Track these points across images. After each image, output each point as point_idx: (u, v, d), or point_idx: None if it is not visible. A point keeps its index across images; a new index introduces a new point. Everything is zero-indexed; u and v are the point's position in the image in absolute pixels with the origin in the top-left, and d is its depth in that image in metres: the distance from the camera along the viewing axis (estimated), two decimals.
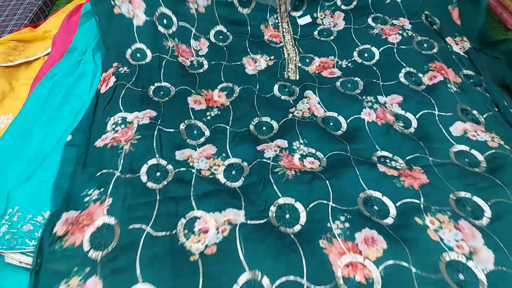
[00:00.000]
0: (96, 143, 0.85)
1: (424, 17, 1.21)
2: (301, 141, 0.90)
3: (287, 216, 0.72)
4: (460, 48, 1.12)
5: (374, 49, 1.14)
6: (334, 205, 0.73)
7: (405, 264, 0.64)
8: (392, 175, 0.78)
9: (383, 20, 1.22)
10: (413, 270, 0.63)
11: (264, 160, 0.84)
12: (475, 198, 0.74)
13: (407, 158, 0.85)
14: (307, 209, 0.73)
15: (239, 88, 1.05)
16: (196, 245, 0.68)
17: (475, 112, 0.92)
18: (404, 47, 1.11)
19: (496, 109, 0.93)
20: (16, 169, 0.87)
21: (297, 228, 0.71)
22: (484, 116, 0.91)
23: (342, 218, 0.71)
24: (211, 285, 0.63)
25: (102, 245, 0.67)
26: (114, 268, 0.64)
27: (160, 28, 1.14)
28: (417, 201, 0.74)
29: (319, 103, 1.01)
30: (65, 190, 0.76)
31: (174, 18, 1.18)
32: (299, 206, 0.74)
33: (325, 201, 0.74)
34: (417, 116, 0.94)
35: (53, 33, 1.31)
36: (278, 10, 1.31)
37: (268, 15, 1.29)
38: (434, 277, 0.62)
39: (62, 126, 0.96)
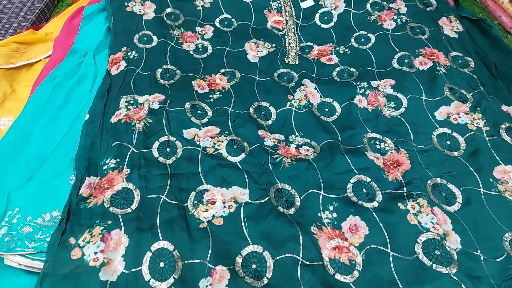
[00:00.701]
0: (111, 119, 0.95)
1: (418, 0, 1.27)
2: (297, 134, 0.97)
3: (284, 199, 0.81)
4: (453, 27, 1.17)
5: (370, 35, 1.21)
6: (324, 194, 0.81)
7: (383, 248, 0.72)
8: (379, 167, 0.86)
9: (381, 6, 1.28)
10: (391, 253, 0.71)
11: (264, 146, 0.91)
12: (449, 185, 0.83)
13: (395, 139, 0.93)
14: (301, 197, 0.82)
15: (241, 74, 1.12)
16: (204, 213, 0.77)
17: (462, 90, 0.99)
18: (398, 33, 1.18)
19: (481, 87, 1.00)
20: (17, 171, 0.87)
21: (292, 210, 0.79)
22: (471, 93, 0.99)
23: (331, 208, 0.79)
24: (219, 250, 0.71)
25: (121, 204, 0.76)
26: (138, 228, 0.72)
27: (168, 22, 1.25)
28: (400, 191, 0.82)
29: (315, 89, 1.07)
30: (86, 159, 0.85)
31: (181, 15, 1.28)
32: (294, 193, 0.82)
33: (316, 191, 0.82)
34: (407, 97, 1.01)
35: (55, 36, 1.31)
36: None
37: (271, 0, 1.35)
38: (409, 259, 0.71)
39: (63, 128, 0.97)
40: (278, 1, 1.34)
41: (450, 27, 1.18)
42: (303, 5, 1.34)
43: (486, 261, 0.70)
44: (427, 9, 1.24)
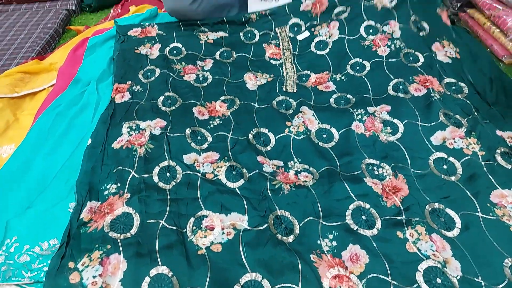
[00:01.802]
0: (113, 145, 0.97)
1: (412, 22, 1.28)
2: (296, 160, 0.98)
3: (283, 226, 0.81)
4: (446, 52, 1.20)
5: (365, 62, 1.24)
6: (323, 222, 0.81)
7: (384, 277, 0.72)
8: (377, 193, 0.86)
9: (375, 29, 1.30)
10: (392, 282, 0.71)
11: (263, 172, 0.92)
12: (448, 210, 0.83)
13: (392, 164, 0.94)
14: (301, 224, 0.82)
15: (240, 102, 1.15)
16: (202, 240, 0.77)
17: (457, 116, 1.01)
18: (392, 60, 1.21)
19: (476, 113, 1.02)
20: (17, 199, 0.87)
21: (291, 238, 0.79)
22: (466, 119, 1.00)
23: (330, 236, 0.79)
24: (217, 278, 0.71)
25: (121, 229, 0.77)
26: (137, 253, 0.73)
27: (170, 57, 1.31)
28: (399, 217, 0.82)
29: (313, 115, 1.09)
30: (87, 183, 0.87)
31: (183, 49, 1.35)
32: (293, 220, 0.82)
33: (315, 219, 0.82)
34: (403, 123, 1.02)
35: (59, 65, 1.35)
36: (279, 37, 1.42)
37: (270, 39, 1.42)
38: None
39: (64, 155, 0.98)
40: (277, 39, 1.41)
41: (443, 52, 1.20)
42: (300, 37, 1.40)
43: None
44: (420, 33, 1.26)
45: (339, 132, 1.04)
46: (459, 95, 1.08)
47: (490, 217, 0.80)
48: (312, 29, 1.40)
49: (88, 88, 1.20)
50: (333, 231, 0.79)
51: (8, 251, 0.75)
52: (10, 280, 0.70)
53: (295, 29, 1.43)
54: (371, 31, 1.30)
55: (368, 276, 0.72)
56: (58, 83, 1.27)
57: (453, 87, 1.11)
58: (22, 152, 1.00)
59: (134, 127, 1.02)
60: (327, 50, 1.33)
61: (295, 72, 1.28)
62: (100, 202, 0.84)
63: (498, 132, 0.96)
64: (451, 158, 0.92)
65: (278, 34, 1.42)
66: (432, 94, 1.07)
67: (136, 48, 1.35)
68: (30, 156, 0.98)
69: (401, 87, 1.12)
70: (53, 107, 1.14)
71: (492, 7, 1.38)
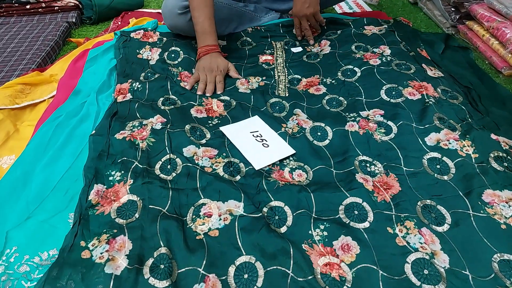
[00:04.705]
0: (116, 136, 1.00)
1: (401, 45, 1.36)
2: (291, 158, 1.00)
3: (277, 217, 0.83)
4: (434, 74, 1.23)
5: (356, 69, 1.27)
6: (316, 216, 0.83)
7: (373, 267, 0.73)
8: (367, 190, 0.88)
9: (365, 48, 1.37)
10: (380, 272, 0.72)
11: (259, 169, 0.95)
12: (439, 207, 0.84)
13: (384, 163, 0.95)
14: (294, 214, 0.84)
15: (235, 102, 1.19)
16: (201, 226, 0.80)
17: (451, 121, 1.02)
18: (383, 68, 1.24)
19: (470, 119, 1.03)
20: (16, 209, 0.87)
21: (283, 229, 0.81)
22: (459, 124, 1.01)
23: (322, 227, 0.81)
24: (213, 260, 0.74)
25: (126, 216, 0.81)
26: (141, 235, 0.77)
27: (168, 61, 1.37)
28: (389, 212, 0.83)
29: (307, 118, 1.12)
30: (93, 168, 0.91)
31: (181, 52, 1.40)
32: (287, 209, 0.85)
33: (309, 212, 0.84)
34: (397, 125, 1.04)
35: (59, 77, 1.36)
36: (274, 48, 1.48)
37: (266, 48, 1.48)
38: (398, 278, 0.71)
39: (64, 166, 0.98)
40: (272, 49, 1.47)
41: (432, 72, 1.23)
42: (294, 50, 1.47)
43: (474, 280, 0.70)
44: (410, 53, 1.32)
45: (333, 130, 1.06)
46: (455, 101, 1.10)
47: (481, 214, 0.81)
48: (305, 47, 1.48)
49: (88, 99, 1.21)
50: (325, 223, 0.81)
51: (8, 261, 0.75)
52: None
53: (290, 43, 1.50)
54: (361, 49, 1.36)
55: (358, 266, 0.73)
56: (58, 94, 1.28)
57: (449, 94, 1.13)
58: (22, 163, 1.00)
59: (137, 124, 1.05)
60: (318, 60, 1.38)
61: (287, 76, 1.32)
62: (105, 187, 0.88)
63: (493, 136, 0.96)
64: (444, 158, 0.94)
65: (274, 45, 1.48)
66: (427, 100, 1.08)
67: (138, 52, 1.39)
68: (30, 167, 0.99)
69: (393, 92, 1.14)
70: (53, 118, 1.15)
71: (490, 19, 1.40)
